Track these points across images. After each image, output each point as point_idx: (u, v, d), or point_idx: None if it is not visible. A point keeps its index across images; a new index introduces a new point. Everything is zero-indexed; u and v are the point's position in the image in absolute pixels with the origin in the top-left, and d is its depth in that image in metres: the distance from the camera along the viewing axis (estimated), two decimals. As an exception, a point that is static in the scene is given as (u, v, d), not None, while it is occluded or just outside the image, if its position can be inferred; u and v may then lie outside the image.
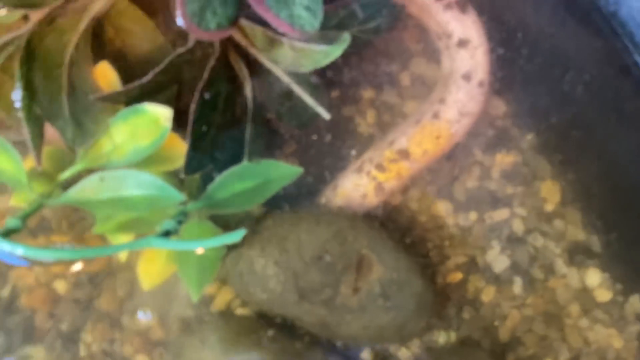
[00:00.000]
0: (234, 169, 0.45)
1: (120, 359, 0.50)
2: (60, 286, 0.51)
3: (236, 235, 0.42)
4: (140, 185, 0.42)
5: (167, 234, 0.43)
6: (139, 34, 0.44)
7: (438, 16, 0.51)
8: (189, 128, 0.43)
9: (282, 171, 0.46)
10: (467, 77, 0.49)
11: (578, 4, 0.54)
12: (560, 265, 0.54)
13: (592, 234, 0.55)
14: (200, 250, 0.45)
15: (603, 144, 0.56)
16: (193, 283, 0.47)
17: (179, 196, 0.42)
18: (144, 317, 0.50)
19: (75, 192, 0.43)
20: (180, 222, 0.44)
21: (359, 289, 0.47)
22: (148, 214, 0.44)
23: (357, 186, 0.51)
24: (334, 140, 0.54)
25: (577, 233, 0.55)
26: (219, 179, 0.44)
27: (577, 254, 0.55)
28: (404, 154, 0.50)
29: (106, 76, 0.45)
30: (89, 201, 0.43)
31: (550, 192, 0.55)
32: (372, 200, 0.51)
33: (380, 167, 0.50)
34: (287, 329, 0.50)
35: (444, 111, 0.49)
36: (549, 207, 0.55)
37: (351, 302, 0.47)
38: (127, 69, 0.44)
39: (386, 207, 0.53)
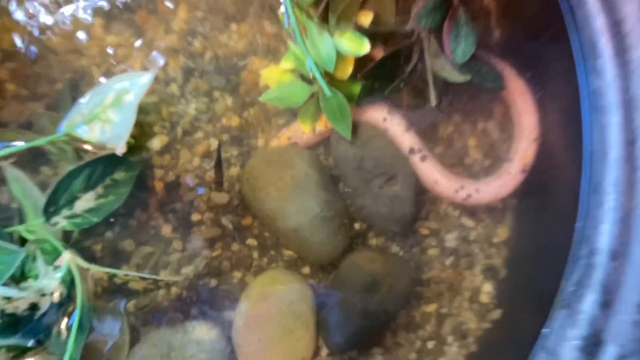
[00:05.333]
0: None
1: (227, 64, 0.90)
2: None
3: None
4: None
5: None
6: (387, 6, 0.84)
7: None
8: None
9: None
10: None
11: None
12: (477, 269, 0.90)
13: (504, 268, 0.90)
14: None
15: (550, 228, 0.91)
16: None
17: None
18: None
19: None
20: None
21: (383, 187, 0.85)
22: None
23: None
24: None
25: (498, 262, 0.91)
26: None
27: (489, 270, 0.90)
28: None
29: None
30: None
31: (502, 234, 0.91)
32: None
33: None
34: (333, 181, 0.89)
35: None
36: (495, 239, 0.91)
37: (374, 190, 0.85)
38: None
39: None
